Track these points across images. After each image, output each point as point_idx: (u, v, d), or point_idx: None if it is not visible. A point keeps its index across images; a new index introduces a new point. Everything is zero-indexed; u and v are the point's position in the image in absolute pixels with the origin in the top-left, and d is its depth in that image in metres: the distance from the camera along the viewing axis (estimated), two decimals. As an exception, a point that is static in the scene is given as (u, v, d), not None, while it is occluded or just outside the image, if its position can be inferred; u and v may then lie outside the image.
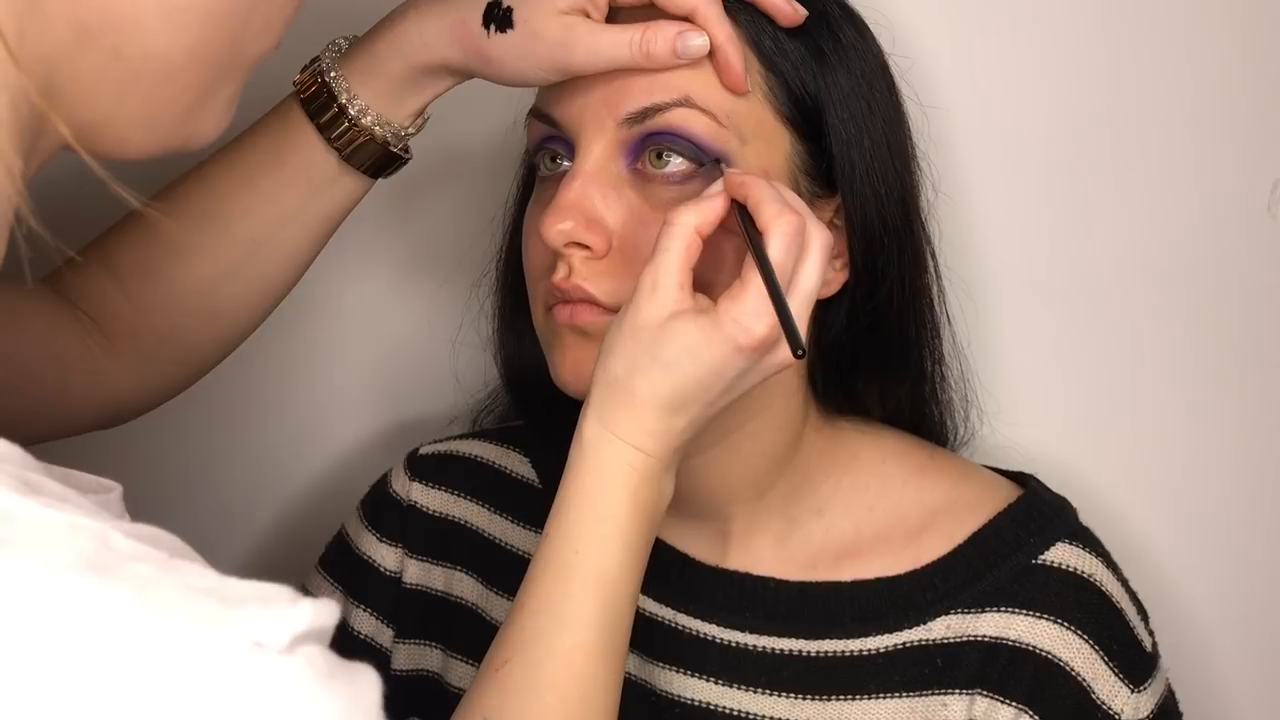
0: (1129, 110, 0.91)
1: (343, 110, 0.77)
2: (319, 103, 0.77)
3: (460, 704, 0.68)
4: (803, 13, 0.74)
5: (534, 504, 0.88)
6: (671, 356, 0.66)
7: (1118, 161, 0.92)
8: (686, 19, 0.72)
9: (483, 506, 0.90)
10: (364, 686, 0.43)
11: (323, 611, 0.43)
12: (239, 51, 0.52)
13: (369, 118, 0.77)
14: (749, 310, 0.65)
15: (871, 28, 0.79)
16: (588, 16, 0.72)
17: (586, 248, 0.72)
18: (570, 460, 0.69)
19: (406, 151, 0.80)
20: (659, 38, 0.71)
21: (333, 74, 0.77)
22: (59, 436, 0.77)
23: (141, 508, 1.08)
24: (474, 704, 0.67)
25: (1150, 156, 0.92)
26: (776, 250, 0.66)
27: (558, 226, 0.71)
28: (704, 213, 0.68)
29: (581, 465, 0.68)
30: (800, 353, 0.64)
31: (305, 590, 0.92)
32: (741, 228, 0.68)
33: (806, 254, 0.67)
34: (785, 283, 0.66)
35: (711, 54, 0.72)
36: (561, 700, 0.65)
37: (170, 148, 0.53)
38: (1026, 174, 0.93)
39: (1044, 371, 0.95)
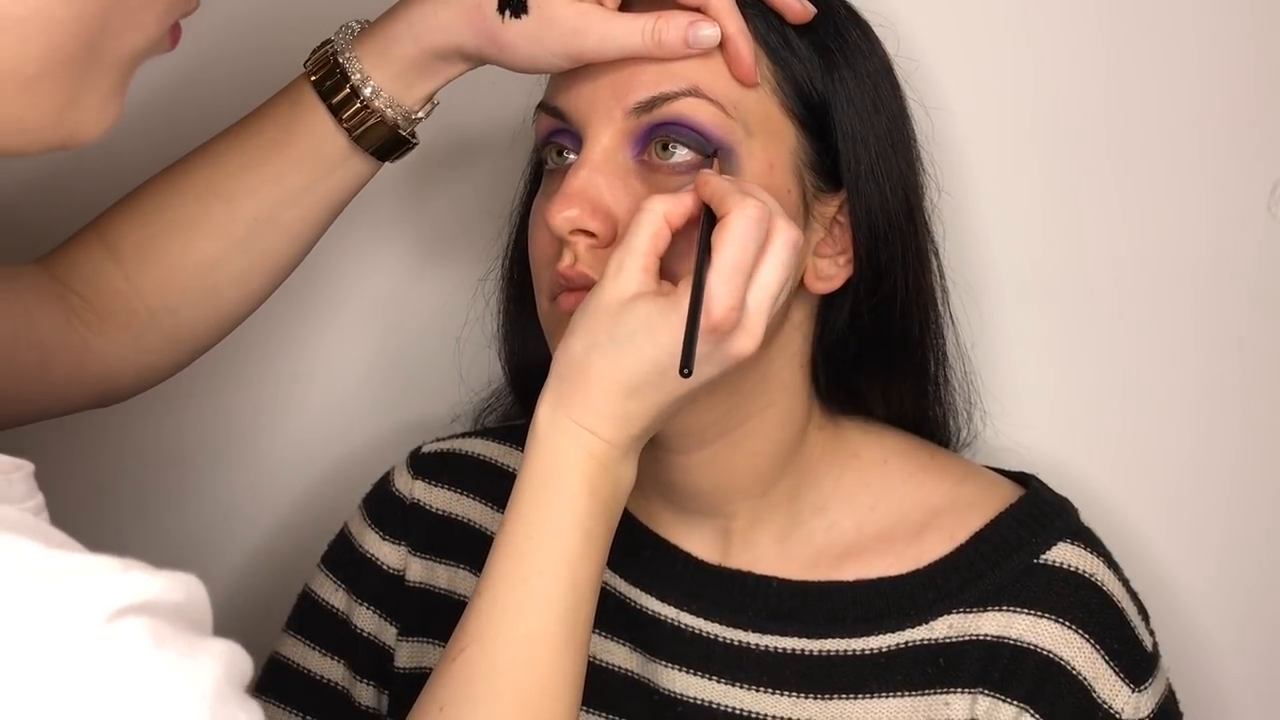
0: (1131, 111, 0.92)
1: (355, 91, 0.77)
2: (331, 83, 0.78)
3: (420, 694, 0.67)
4: (811, 10, 0.74)
5: None
6: (627, 335, 0.66)
7: (1119, 162, 0.92)
8: (698, 10, 0.73)
9: (485, 504, 0.90)
10: (206, 662, 0.42)
11: (160, 584, 0.42)
12: (102, 53, 0.52)
13: (381, 99, 0.78)
14: (709, 293, 0.65)
15: (876, 31, 0.79)
16: (601, 4, 0.73)
17: (592, 235, 0.72)
18: (526, 446, 0.69)
19: (414, 136, 0.81)
20: (671, 26, 0.71)
21: (346, 55, 0.78)
22: (46, 416, 0.78)
23: (147, 504, 1.09)
24: (431, 695, 0.66)
25: (1152, 157, 0.92)
26: (737, 234, 0.65)
27: (563, 213, 0.72)
28: (675, 203, 0.68)
29: (536, 450, 0.68)
30: (686, 372, 0.63)
31: (308, 589, 0.93)
32: (702, 226, 0.68)
33: (770, 244, 0.67)
34: (746, 271, 0.66)
35: (722, 45, 0.73)
36: (517, 687, 0.65)
37: (50, 147, 0.53)
38: (1029, 176, 0.93)
39: (1047, 373, 0.95)
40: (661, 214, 0.68)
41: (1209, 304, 0.93)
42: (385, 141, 0.79)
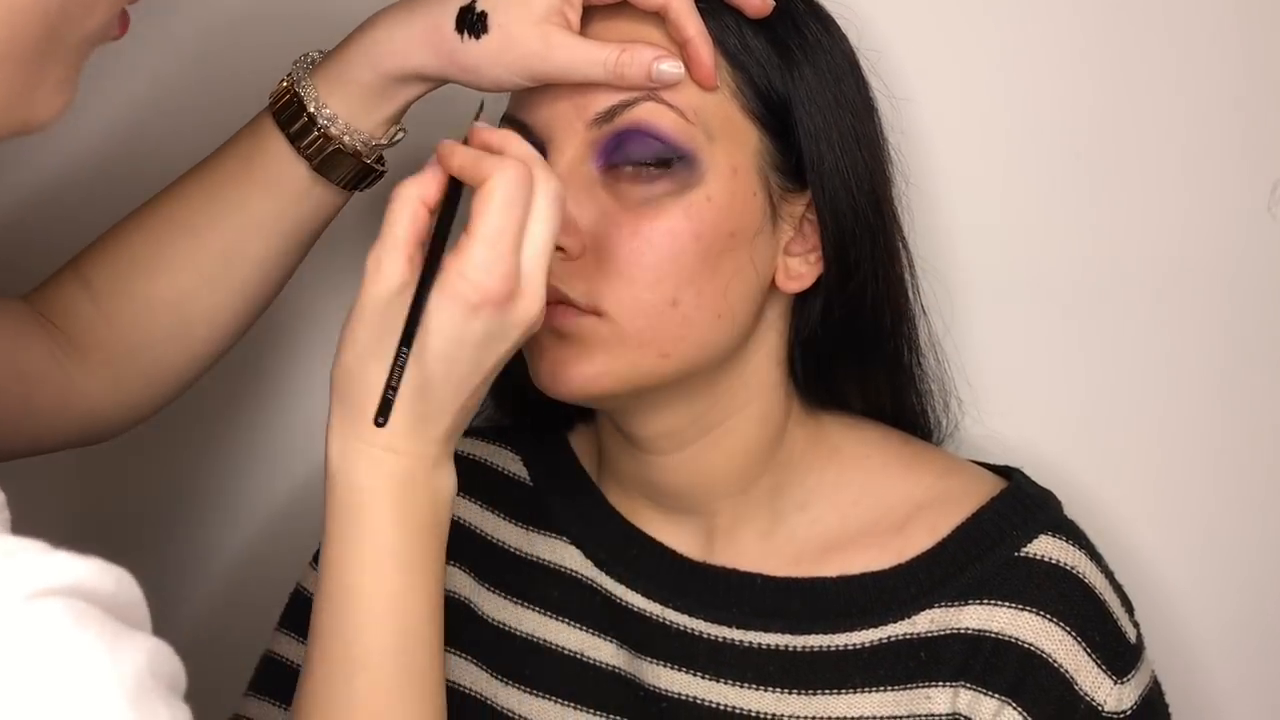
0: (1104, 98, 0.90)
1: (311, 119, 0.77)
2: (289, 113, 0.78)
3: None
4: (770, 3, 0.74)
5: (525, 500, 0.89)
6: (398, 331, 0.62)
7: (1096, 152, 0.91)
8: (658, 13, 0.72)
9: (474, 503, 0.91)
10: (128, 649, 0.42)
11: (89, 570, 0.42)
12: (59, 38, 0.52)
13: (337, 126, 0.77)
14: (477, 264, 0.62)
15: (839, 23, 0.79)
16: (565, 19, 0.73)
17: (560, 249, 0.72)
18: (326, 485, 0.64)
19: (380, 163, 0.81)
20: (634, 63, 0.71)
21: (303, 84, 0.78)
22: (29, 453, 0.78)
23: (141, 513, 1.10)
24: None
25: (1149, 156, 0.90)
26: (499, 200, 0.62)
27: None
28: (426, 184, 0.64)
29: (334, 490, 0.63)
30: (380, 422, 0.59)
31: (300, 587, 0.93)
32: (444, 197, 0.64)
33: (534, 202, 0.64)
34: (516, 235, 0.62)
35: (682, 48, 0.72)
36: None
37: (8, 133, 0.53)
38: (998, 164, 0.92)
39: (1023, 361, 0.94)
40: (417, 198, 0.64)
41: (1207, 303, 0.91)
42: (349, 171, 0.79)
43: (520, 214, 0.63)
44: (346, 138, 0.78)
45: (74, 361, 0.79)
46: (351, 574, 0.62)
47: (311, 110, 0.77)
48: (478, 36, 0.73)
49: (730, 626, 0.81)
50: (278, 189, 0.79)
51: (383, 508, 0.62)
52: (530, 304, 0.63)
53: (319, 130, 0.77)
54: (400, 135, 0.81)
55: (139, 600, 0.45)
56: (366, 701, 0.62)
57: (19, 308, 0.79)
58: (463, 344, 0.62)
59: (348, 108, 0.77)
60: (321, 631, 0.63)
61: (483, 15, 0.73)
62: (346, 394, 0.63)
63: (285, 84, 0.79)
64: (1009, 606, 0.77)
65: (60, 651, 0.40)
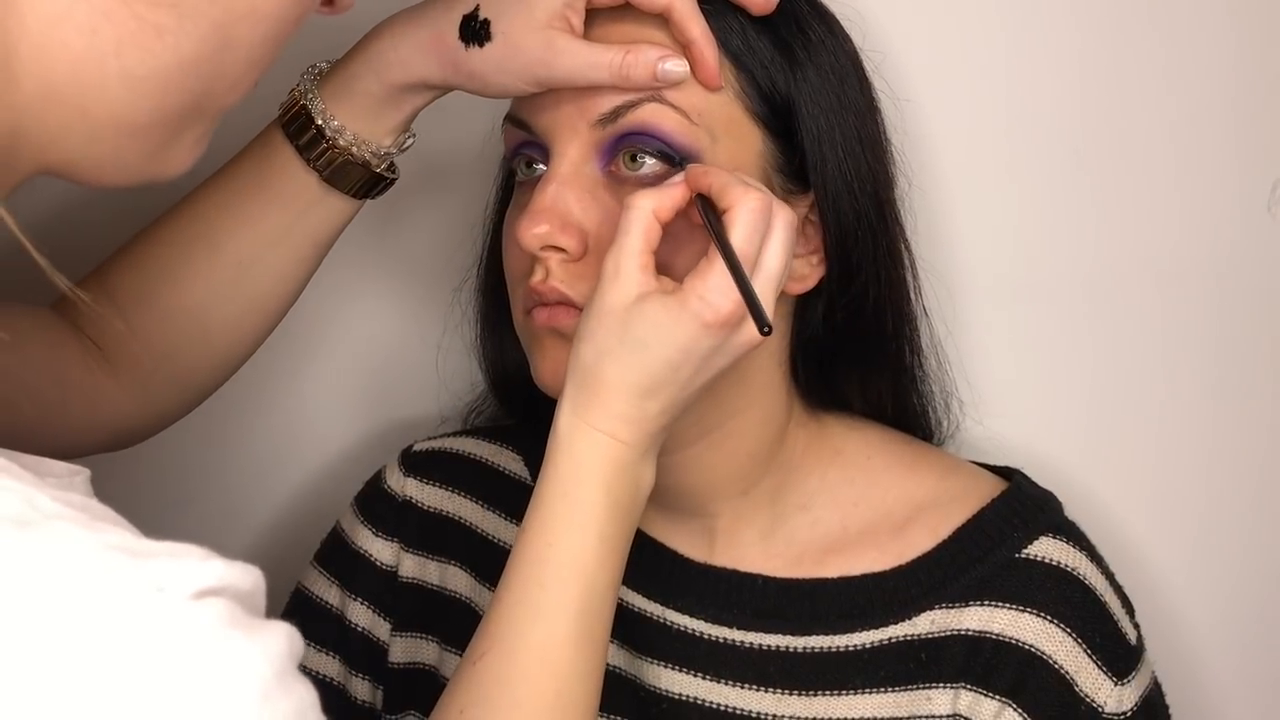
0: (1105, 99, 0.91)
1: (320, 131, 0.78)
2: (298, 125, 0.78)
3: (442, 696, 0.69)
4: (774, 1, 0.74)
5: (526, 500, 0.87)
6: (639, 337, 0.67)
7: (1096, 152, 0.91)
8: (662, 15, 0.72)
9: (476, 502, 0.91)
10: (270, 640, 0.46)
11: (235, 572, 0.47)
12: (204, 106, 0.55)
13: (345, 138, 0.78)
14: (714, 287, 0.66)
15: (842, 23, 0.79)
16: (568, 24, 0.73)
17: (562, 250, 0.73)
18: (547, 453, 0.70)
19: (391, 170, 0.81)
20: (639, 64, 0.71)
21: (310, 96, 0.78)
22: (65, 458, 0.78)
23: (143, 505, 1.09)
24: (453, 697, 0.68)
25: (1151, 155, 0.91)
26: (743, 227, 0.67)
27: (533, 230, 0.72)
28: (661, 198, 0.69)
29: (556, 458, 0.69)
30: (766, 330, 0.65)
31: (301, 586, 0.93)
32: (703, 215, 0.69)
33: (771, 232, 0.68)
34: (751, 261, 0.67)
35: (687, 49, 0.72)
36: (535, 693, 0.67)
37: (141, 181, 0.56)
38: (1000, 166, 0.93)
39: (1024, 362, 0.95)
40: (650, 210, 0.68)
41: (1208, 303, 0.92)
42: (360, 180, 0.79)
43: (758, 243, 0.68)
44: (355, 148, 0.78)
45: (103, 369, 0.79)
46: (555, 533, 0.69)
47: (319, 123, 0.78)
48: (481, 45, 0.73)
49: (731, 627, 0.81)
50: (290, 200, 0.79)
51: (596, 483, 0.69)
52: (755, 330, 0.67)
53: (327, 142, 0.78)
54: (410, 141, 0.81)
55: (264, 592, 0.50)
56: (544, 649, 0.67)
57: (51, 316, 0.80)
58: (690, 356, 0.68)
59: (355, 119, 0.78)
60: (515, 578, 0.69)
61: (485, 23, 0.73)
62: (582, 383, 0.69)
63: (293, 96, 0.79)
64: (1010, 608, 0.78)
65: (218, 646, 0.45)
